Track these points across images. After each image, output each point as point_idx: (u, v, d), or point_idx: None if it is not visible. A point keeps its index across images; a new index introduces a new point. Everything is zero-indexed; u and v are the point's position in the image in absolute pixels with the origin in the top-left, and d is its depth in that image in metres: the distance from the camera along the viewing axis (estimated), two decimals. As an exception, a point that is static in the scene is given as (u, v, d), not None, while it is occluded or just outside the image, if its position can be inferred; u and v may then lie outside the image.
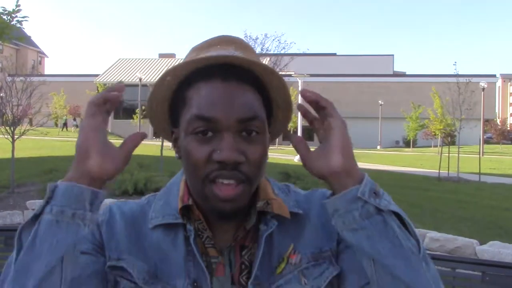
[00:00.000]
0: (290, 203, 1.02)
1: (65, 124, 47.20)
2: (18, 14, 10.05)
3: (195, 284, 0.95)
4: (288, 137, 0.93)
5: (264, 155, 0.94)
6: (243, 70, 0.93)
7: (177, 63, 0.94)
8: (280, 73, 0.99)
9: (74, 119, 47.65)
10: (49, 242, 0.81)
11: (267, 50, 30.42)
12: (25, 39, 63.54)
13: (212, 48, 0.98)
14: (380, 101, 48.75)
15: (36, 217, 0.82)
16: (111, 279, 0.98)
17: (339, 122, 0.88)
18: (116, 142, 0.88)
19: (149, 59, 56.08)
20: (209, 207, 0.95)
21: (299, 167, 10.22)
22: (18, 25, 10.25)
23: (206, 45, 1.00)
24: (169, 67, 0.93)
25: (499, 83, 66.61)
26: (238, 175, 0.90)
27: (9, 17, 10.06)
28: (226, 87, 0.91)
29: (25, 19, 10.15)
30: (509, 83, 73.14)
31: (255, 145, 0.92)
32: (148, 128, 46.24)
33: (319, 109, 0.90)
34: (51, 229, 0.81)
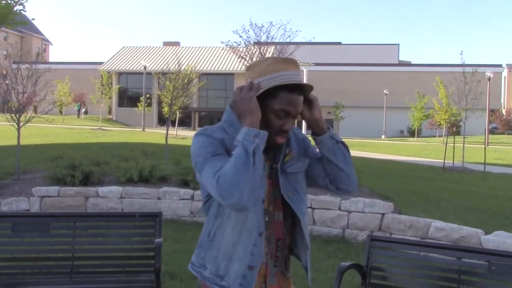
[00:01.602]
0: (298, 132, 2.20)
1: (79, 111, 47.38)
2: None
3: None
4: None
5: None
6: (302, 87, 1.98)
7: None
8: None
9: (84, 106, 47.89)
10: (261, 163, 1.84)
11: (272, 38, 30.16)
12: (30, 27, 63.45)
13: (287, 67, 1.95)
14: (385, 91, 48.53)
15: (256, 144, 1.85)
16: None
17: (316, 102, 2.05)
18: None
19: (153, 47, 55.94)
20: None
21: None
22: (20, 7, 10.14)
23: (282, 66, 1.94)
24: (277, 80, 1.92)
25: (505, 73, 66.17)
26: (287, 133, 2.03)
27: (12, 2, 9.99)
28: (297, 98, 1.95)
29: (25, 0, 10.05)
30: (515, 73, 72.60)
31: (294, 121, 2.01)
32: (152, 116, 46.36)
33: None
34: (260, 157, 1.83)
